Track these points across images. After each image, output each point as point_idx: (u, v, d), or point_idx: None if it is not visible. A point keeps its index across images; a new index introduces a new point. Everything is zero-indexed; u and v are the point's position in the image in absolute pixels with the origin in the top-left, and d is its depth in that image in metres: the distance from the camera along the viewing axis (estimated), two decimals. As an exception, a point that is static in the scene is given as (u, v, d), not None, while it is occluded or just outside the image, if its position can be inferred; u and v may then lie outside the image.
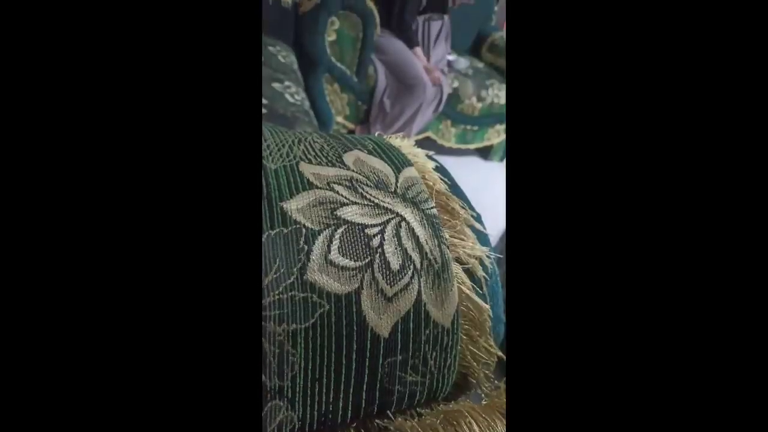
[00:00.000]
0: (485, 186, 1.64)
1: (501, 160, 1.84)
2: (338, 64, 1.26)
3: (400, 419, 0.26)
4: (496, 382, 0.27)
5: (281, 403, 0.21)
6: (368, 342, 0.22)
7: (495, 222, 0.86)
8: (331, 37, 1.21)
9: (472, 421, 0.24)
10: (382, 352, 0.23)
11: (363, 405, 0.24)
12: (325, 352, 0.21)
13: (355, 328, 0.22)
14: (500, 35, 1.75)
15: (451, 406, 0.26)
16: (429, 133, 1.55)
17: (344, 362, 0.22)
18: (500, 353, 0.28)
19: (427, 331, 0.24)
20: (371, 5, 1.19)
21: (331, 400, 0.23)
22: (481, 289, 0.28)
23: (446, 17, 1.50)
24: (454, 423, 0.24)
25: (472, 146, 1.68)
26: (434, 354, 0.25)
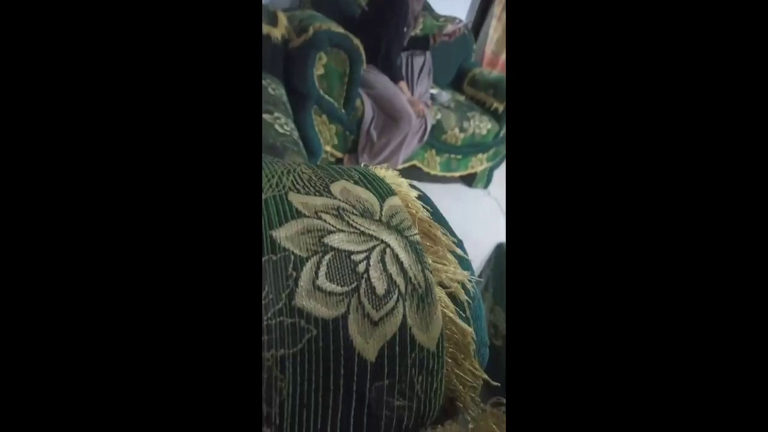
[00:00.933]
0: (470, 211, 1.69)
1: (485, 187, 1.89)
2: (326, 97, 1.31)
3: (388, 446, 0.26)
4: (482, 405, 0.27)
5: (269, 430, 0.21)
6: (356, 366, 0.23)
7: (479, 245, 0.88)
8: (319, 71, 1.27)
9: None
10: (369, 377, 0.23)
11: (351, 431, 0.24)
12: (313, 377, 0.22)
13: (342, 352, 0.23)
14: (479, 70, 1.86)
15: (438, 430, 0.26)
16: (415, 162, 1.60)
17: (332, 387, 0.22)
18: (485, 376, 0.29)
19: (413, 355, 0.25)
20: (357, 43, 1.26)
21: (318, 426, 0.23)
22: (464, 312, 0.29)
23: (428, 53, 1.59)
24: (442, 448, 0.24)
25: (456, 174, 1.74)
26: (420, 378, 0.25)
